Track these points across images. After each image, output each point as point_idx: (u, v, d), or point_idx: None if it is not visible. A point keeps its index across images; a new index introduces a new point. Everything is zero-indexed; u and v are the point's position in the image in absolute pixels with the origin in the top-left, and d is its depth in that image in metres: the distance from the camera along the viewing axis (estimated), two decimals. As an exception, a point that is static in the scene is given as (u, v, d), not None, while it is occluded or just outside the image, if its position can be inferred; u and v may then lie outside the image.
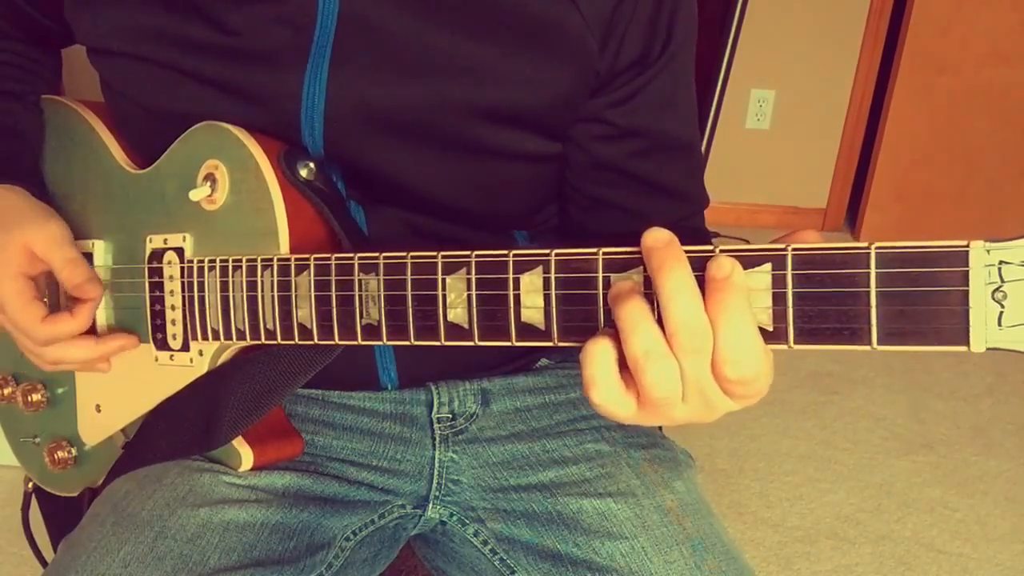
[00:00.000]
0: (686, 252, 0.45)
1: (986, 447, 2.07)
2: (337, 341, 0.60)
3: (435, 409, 0.77)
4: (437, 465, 0.76)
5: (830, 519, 1.80)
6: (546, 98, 0.69)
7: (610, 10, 0.68)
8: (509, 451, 0.77)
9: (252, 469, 0.69)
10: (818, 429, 2.11)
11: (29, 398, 0.80)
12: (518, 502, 0.73)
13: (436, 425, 0.77)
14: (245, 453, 0.68)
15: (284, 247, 0.62)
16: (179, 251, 0.68)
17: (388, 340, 0.57)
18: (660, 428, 0.92)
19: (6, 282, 0.68)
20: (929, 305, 0.41)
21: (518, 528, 0.72)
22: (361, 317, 0.58)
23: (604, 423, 0.78)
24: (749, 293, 0.44)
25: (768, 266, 0.45)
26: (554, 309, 0.51)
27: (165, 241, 0.69)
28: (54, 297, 0.75)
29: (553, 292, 0.51)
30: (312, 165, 0.64)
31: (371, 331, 0.58)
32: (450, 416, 0.77)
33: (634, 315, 0.44)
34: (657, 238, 0.45)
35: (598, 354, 0.46)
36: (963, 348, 0.41)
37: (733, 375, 0.44)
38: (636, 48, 0.70)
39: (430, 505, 0.76)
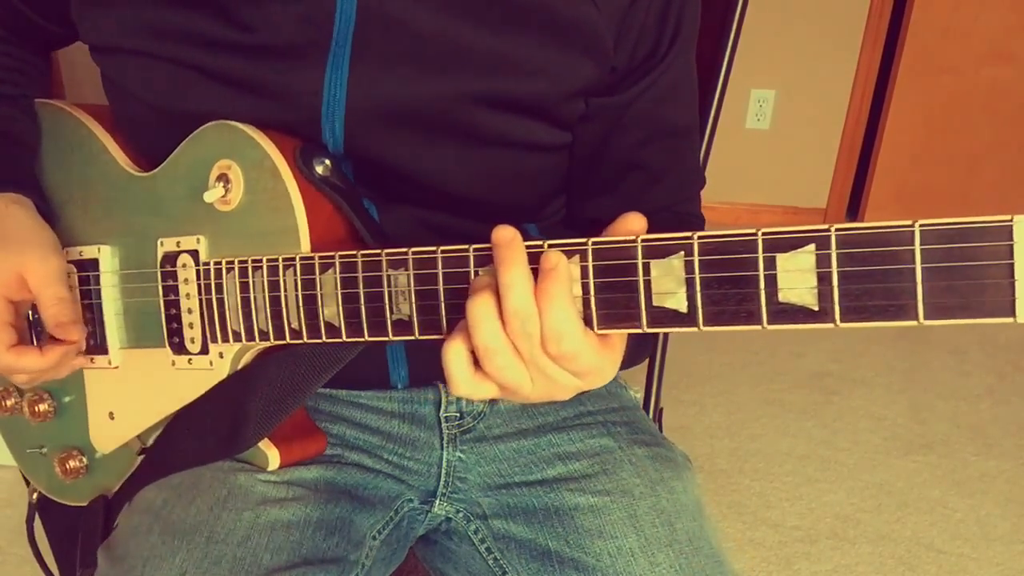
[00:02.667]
0: (527, 246, 0.51)
1: (986, 447, 2.08)
2: (366, 338, 0.59)
3: (443, 408, 0.77)
4: (445, 464, 0.77)
5: (830, 519, 1.80)
6: (565, 89, 0.70)
7: (624, 8, 0.69)
8: (515, 447, 0.77)
9: (278, 469, 0.69)
10: (818, 429, 2.11)
11: (36, 408, 0.78)
12: (520, 498, 0.74)
13: (444, 424, 0.77)
14: (272, 454, 0.68)
15: (305, 245, 0.62)
16: (194, 253, 0.67)
17: (420, 335, 0.57)
18: (660, 429, 0.93)
19: None
20: (974, 279, 0.42)
21: (516, 525, 0.72)
22: (391, 313, 0.58)
23: (611, 418, 0.79)
24: (571, 282, 0.50)
25: (812, 247, 0.45)
26: (592, 297, 0.51)
27: (178, 244, 0.68)
28: (39, 324, 0.72)
29: (591, 280, 0.51)
30: (328, 161, 0.63)
31: (402, 326, 0.57)
32: (458, 415, 0.77)
33: (478, 312, 0.51)
34: (501, 236, 0.51)
35: (452, 356, 0.52)
36: (1009, 319, 0.42)
37: (555, 350, 0.51)
38: (647, 46, 0.72)
39: (436, 501, 0.76)
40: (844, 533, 1.76)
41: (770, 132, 3.19)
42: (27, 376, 0.70)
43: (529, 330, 0.50)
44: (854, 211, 3.28)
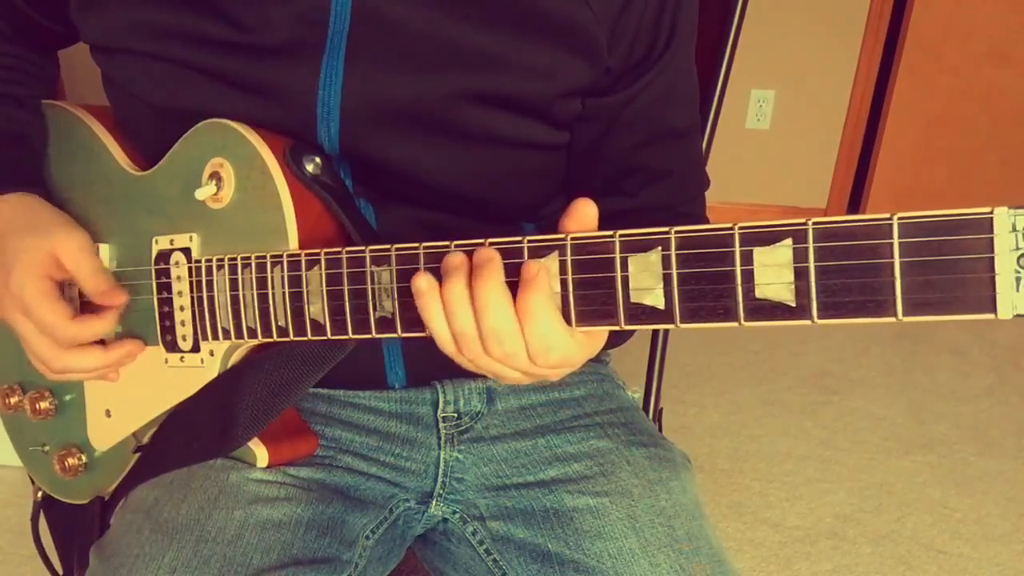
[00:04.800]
0: (501, 243, 0.52)
1: (986, 447, 2.07)
2: (351, 335, 0.59)
3: (440, 408, 0.77)
4: (442, 464, 0.77)
5: (830, 519, 1.80)
6: (559, 88, 0.70)
7: (618, 10, 0.69)
8: (513, 448, 0.77)
9: (269, 468, 0.69)
10: (818, 429, 2.11)
11: (37, 406, 0.79)
12: (518, 499, 0.74)
13: (441, 424, 0.77)
14: (260, 453, 0.68)
15: (293, 243, 0.62)
16: (186, 251, 0.67)
17: (403, 332, 0.57)
18: (660, 429, 0.92)
19: (32, 282, 0.68)
20: (954, 274, 0.41)
21: (515, 527, 0.72)
22: (375, 310, 0.57)
23: (608, 420, 0.79)
24: (552, 284, 0.51)
25: (789, 241, 0.44)
26: (571, 293, 0.51)
27: (171, 242, 0.68)
28: (74, 304, 0.74)
29: (570, 276, 0.51)
30: (318, 160, 0.63)
31: (385, 324, 0.57)
32: (455, 415, 0.77)
33: (453, 302, 0.52)
34: (480, 256, 0.52)
35: (438, 328, 0.53)
36: (990, 316, 0.40)
37: (545, 361, 0.52)
38: (643, 47, 0.72)
39: (433, 502, 0.76)
40: (844, 533, 1.76)
41: (770, 132, 3.19)
42: (72, 359, 0.69)
43: (507, 349, 0.51)
44: (854, 211, 3.28)
